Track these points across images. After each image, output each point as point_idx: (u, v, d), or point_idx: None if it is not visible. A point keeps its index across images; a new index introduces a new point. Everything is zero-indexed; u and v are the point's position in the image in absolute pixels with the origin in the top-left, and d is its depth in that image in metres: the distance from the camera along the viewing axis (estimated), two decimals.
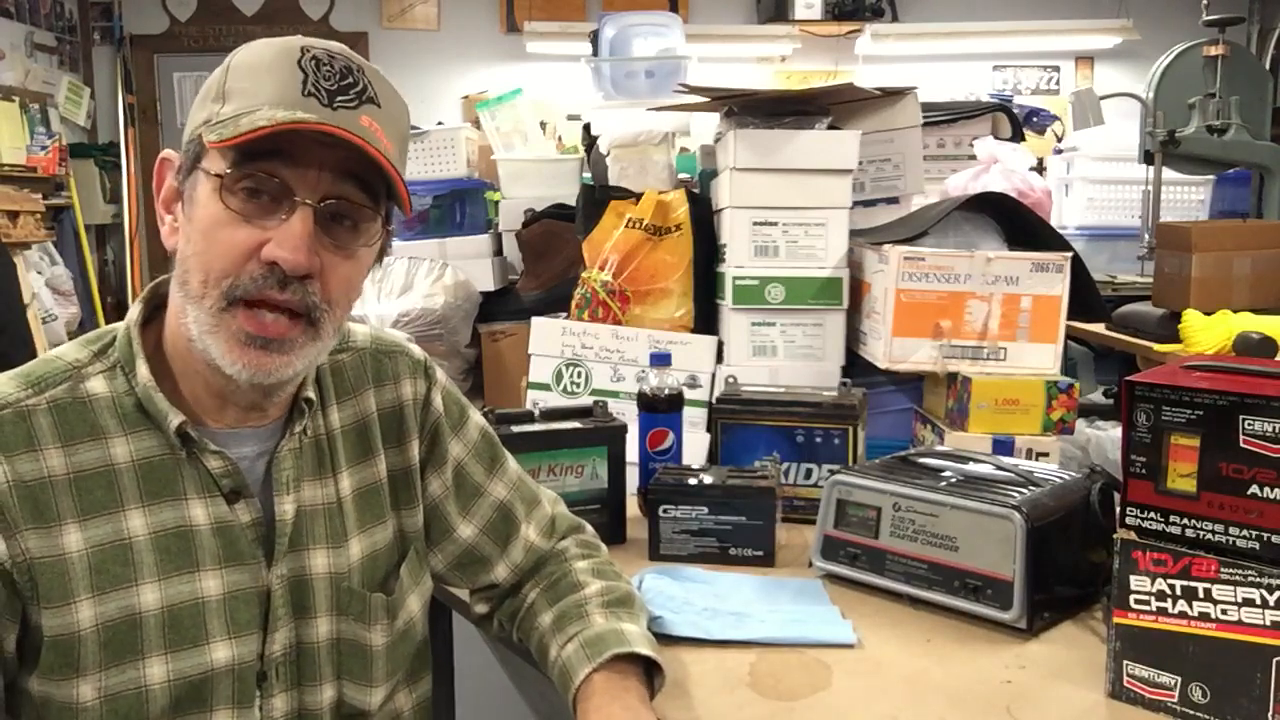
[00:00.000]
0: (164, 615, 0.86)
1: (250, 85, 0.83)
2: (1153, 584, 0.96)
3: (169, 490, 0.87)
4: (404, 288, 2.21)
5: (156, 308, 0.92)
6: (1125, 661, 0.98)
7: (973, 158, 2.32)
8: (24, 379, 0.87)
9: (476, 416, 1.12)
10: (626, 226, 1.88)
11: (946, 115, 2.37)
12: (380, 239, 0.91)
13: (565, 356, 1.83)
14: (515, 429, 1.41)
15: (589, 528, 1.19)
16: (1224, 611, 0.92)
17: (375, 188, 0.87)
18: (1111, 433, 1.88)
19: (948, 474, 1.25)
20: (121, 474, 0.86)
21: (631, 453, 1.47)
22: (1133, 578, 0.97)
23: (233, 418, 0.91)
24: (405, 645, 1.01)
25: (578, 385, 1.82)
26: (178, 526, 0.87)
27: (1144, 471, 0.97)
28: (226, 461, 0.89)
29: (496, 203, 2.51)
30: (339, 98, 0.83)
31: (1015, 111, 2.51)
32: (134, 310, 0.92)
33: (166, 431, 0.87)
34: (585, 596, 1.02)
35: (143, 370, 0.88)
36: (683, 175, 2.19)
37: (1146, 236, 2.87)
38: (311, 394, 0.95)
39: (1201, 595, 0.93)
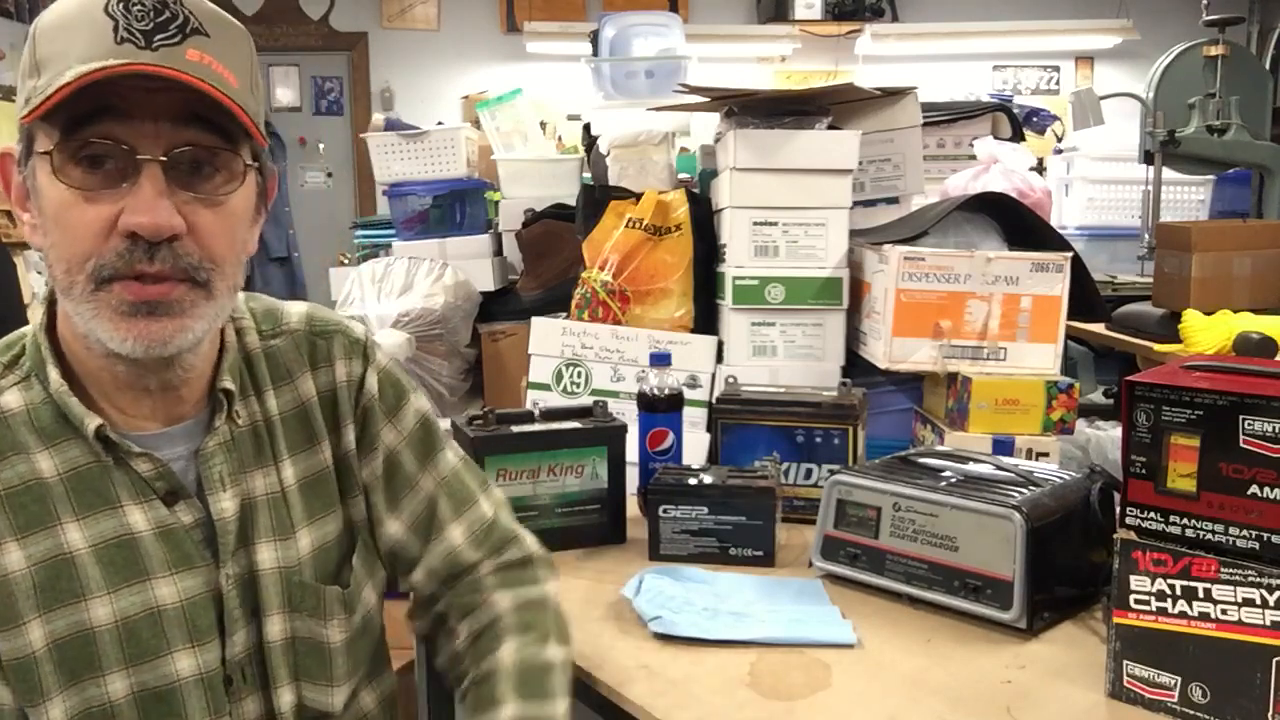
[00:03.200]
0: (118, 629, 0.82)
1: (60, 47, 0.75)
2: (1153, 584, 0.96)
3: (103, 499, 0.83)
4: (404, 288, 2.21)
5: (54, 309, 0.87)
6: (1125, 661, 0.98)
7: (973, 158, 2.32)
8: None
9: (418, 402, 1.03)
10: (626, 226, 1.88)
11: (946, 115, 2.37)
12: (246, 179, 0.83)
13: (565, 356, 1.83)
14: (515, 429, 1.41)
15: (528, 541, 1.06)
16: (1224, 611, 0.92)
17: (226, 126, 0.79)
18: (1111, 433, 1.88)
19: (948, 474, 1.25)
20: (51, 488, 0.82)
21: (631, 453, 1.47)
22: (1133, 578, 0.97)
23: (149, 410, 0.86)
24: (365, 641, 0.97)
25: (578, 385, 1.82)
26: (117, 536, 0.83)
27: (1144, 471, 0.97)
28: (155, 463, 0.85)
29: (496, 203, 2.51)
30: (157, 36, 0.75)
31: (1015, 111, 2.52)
32: (40, 313, 0.87)
33: (87, 437, 0.83)
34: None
35: (54, 375, 0.83)
36: (683, 175, 2.19)
37: (1146, 236, 2.87)
38: (230, 384, 0.89)
39: (1201, 595, 0.93)
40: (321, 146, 6.13)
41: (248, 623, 0.89)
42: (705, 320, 1.86)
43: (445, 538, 1.01)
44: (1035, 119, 3.76)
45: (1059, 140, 3.94)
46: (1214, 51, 2.76)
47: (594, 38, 2.68)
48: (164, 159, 0.77)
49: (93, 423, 0.83)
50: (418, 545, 1.01)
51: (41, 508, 0.82)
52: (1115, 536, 0.99)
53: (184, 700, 0.85)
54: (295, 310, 0.99)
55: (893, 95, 1.92)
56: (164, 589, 0.84)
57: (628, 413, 1.51)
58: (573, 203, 2.17)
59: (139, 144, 0.76)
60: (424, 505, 1.01)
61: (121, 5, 0.76)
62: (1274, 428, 0.89)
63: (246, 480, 0.90)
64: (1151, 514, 0.96)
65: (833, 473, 1.31)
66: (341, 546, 0.96)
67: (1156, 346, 2.22)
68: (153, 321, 0.79)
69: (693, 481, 1.36)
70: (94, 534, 0.83)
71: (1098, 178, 3.31)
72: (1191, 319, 2.12)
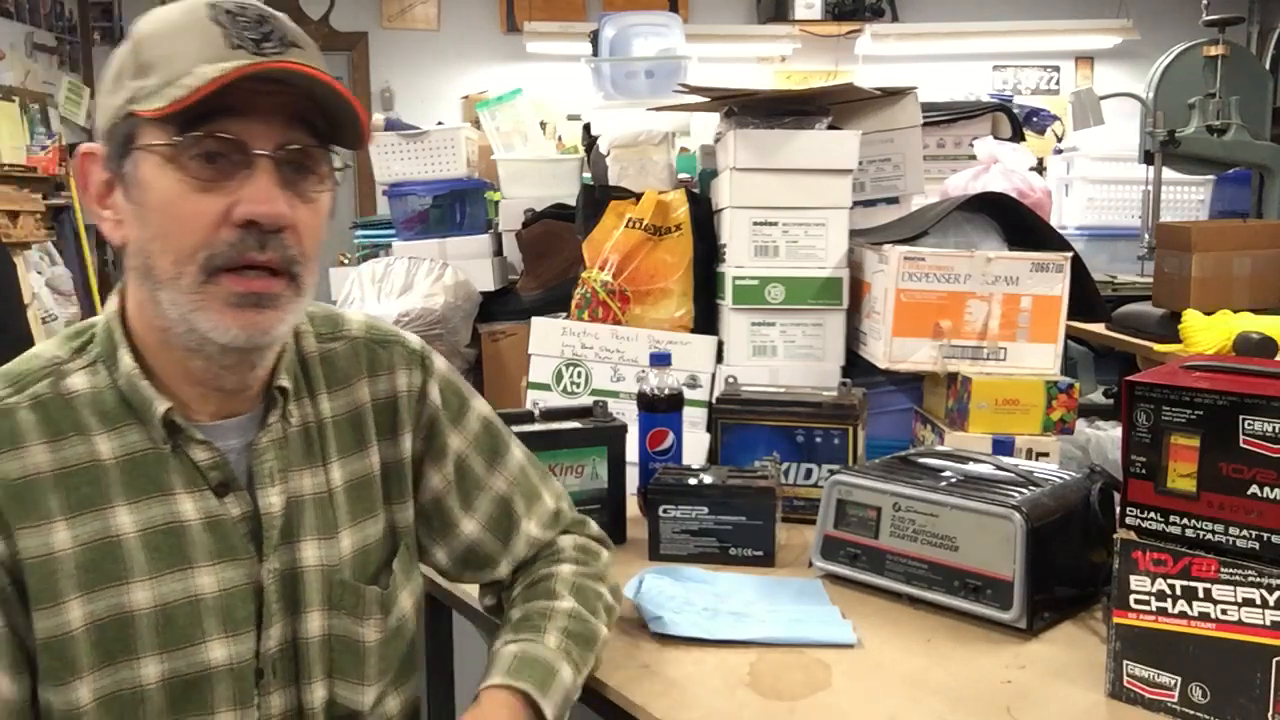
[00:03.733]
0: (156, 614, 0.84)
1: (170, 51, 0.80)
2: (1153, 584, 0.96)
3: (156, 485, 0.85)
4: (404, 288, 2.21)
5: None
6: (1125, 661, 0.98)
7: (973, 158, 2.32)
8: (4, 378, 0.85)
9: (479, 406, 1.09)
10: (626, 226, 1.88)
11: (946, 115, 2.37)
12: (332, 181, 0.88)
13: (565, 356, 1.83)
14: (515, 429, 1.40)
15: (593, 525, 1.15)
16: (1224, 611, 0.92)
17: (321, 130, 0.85)
18: (1111, 433, 1.88)
19: (948, 474, 1.25)
20: (107, 471, 0.84)
21: (631, 453, 1.47)
22: (1133, 578, 0.97)
23: (214, 406, 0.89)
24: (398, 643, 0.99)
25: (578, 385, 1.82)
26: (167, 523, 0.85)
27: (1144, 471, 0.97)
28: (214, 452, 0.87)
29: (496, 203, 2.51)
30: (264, 44, 0.81)
31: (1015, 111, 2.52)
32: (112, 301, 0.89)
33: (151, 423, 0.85)
34: (554, 610, 0.99)
35: (126, 360, 0.86)
36: (683, 175, 2.20)
37: (1146, 236, 2.87)
38: (286, 383, 0.92)
39: (1201, 595, 0.93)
40: None
41: (284, 618, 0.90)
42: (705, 320, 1.86)
43: (523, 532, 1.07)
44: (1035, 119, 3.77)
45: (1059, 140, 3.94)
46: (1214, 51, 2.77)
47: (594, 38, 2.68)
48: (274, 154, 0.81)
49: (162, 406, 0.85)
50: (496, 544, 1.06)
51: (95, 490, 0.83)
52: (1115, 536, 0.99)
53: (212, 689, 0.86)
54: (355, 318, 1.03)
55: (893, 95, 1.92)
56: (205, 578, 0.86)
57: (628, 413, 1.51)
58: (573, 203, 2.17)
59: (253, 140, 0.81)
60: (498, 505, 1.06)
61: (227, 16, 0.81)
62: (1274, 428, 0.89)
63: (295, 478, 0.92)
64: (1151, 514, 0.96)
65: (833, 473, 1.31)
66: (382, 550, 0.99)
67: (1156, 346, 2.22)
68: (257, 313, 0.83)
69: (693, 481, 1.36)
70: (143, 519, 0.85)
71: (1098, 178, 3.31)
72: (1191, 319, 2.12)
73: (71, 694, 0.81)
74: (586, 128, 2.40)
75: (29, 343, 3.25)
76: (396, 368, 1.01)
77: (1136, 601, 0.97)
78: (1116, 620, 0.98)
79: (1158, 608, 0.95)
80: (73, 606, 0.81)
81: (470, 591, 1.19)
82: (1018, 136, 2.40)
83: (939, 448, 1.48)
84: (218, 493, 0.88)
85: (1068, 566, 1.16)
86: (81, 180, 0.87)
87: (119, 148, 0.82)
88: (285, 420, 0.93)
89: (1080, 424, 1.85)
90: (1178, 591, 0.94)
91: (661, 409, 1.51)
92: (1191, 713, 0.94)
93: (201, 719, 0.86)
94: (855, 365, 1.75)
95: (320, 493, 0.94)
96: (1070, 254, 1.56)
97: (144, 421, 0.86)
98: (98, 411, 0.85)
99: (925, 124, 1.99)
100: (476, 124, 2.63)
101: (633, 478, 1.48)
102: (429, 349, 1.06)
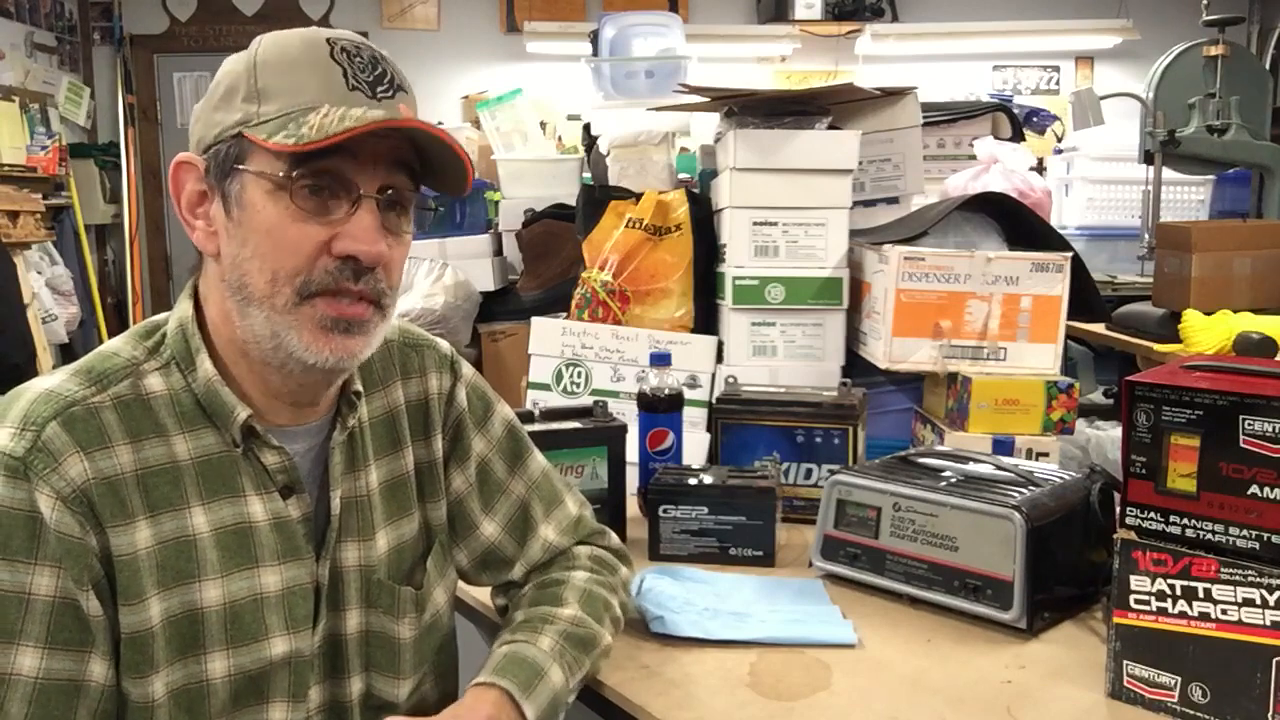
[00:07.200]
0: (226, 611, 0.86)
1: (288, 82, 0.83)
2: (1153, 584, 0.96)
3: (228, 487, 0.88)
4: (404, 288, 2.20)
5: (198, 304, 0.91)
6: (1125, 661, 0.98)
7: (973, 158, 2.33)
8: (85, 376, 0.85)
9: (503, 411, 1.11)
10: (626, 226, 1.88)
11: (946, 115, 2.37)
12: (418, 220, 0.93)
13: (565, 356, 1.83)
14: None
15: (614, 538, 1.16)
16: (1224, 611, 0.92)
17: (416, 172, 0.89)
18: (1111, 433, 1.89)
19: (948, 474, 1.25)
20: (183, 472, 0.86)
21: (631, 453, 1.47)
22: (1133, 578, 0.97)
23: (285, 416, 0.92)
24: (432, 638, 1.01)
25: (578, 385, 1.82)
26: (237, 523, 0.88)
27: (1144, 471, 0.97)
28: (284, 457, 0.90)
29: (496, 203, 2.51)
30: (378, 89, 0.85)
31: (1015, 111, 2.52)
32: (186, 306, 0.90)
33: (228, 428, 0.88)
34: (556, 615, 1.00)
35: (206, 366, 0.88)
36: (683, 175, 2.20)
37: (1146, 236, 2.88)
38: (360, 387, 0.96)
39: (1201, 595, 0.93)
40: None
41: (328, 614, 0.93)
42: (705, 320, 1.86)
43: (540, 535, 1.09)
44: (1035, 119, 3.77)
45: (1059, 140, 3.94)
46: (1214, 51, 2.77)
47: (594, 38, 2.68)
48: (376, 196, 0.86)
49: (243, 413, 0.88)
50: (513, 545, 1.08)
51: (173, 490, 0.86)
52: (1115, 536, 0.99)
53: (271, 683, 0.89)
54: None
55: (893, 95, 1.92)
56: (269, 577, 0.89)
57: (628, 413, 1.51)
58: (573, 203, 2.17)
59: (360, 181, 0.85)
60: (517, 508, 1.09)
61: (345, 55, 0.85)
62: (1274, 428, 0.89)
63: (345, 480, 0.96)
64: (1151, 514, 0.96)
65: (833, 473, 1.31)
66: (416, 548, 1.02)
67: (1156, 346, 2.22)
68: (346, 338, 0.86)
69: (693, 481, 1.36)
70: (215, 520, 0.87)
71: (1098, 178, 3.32)
72: (1191, 319, 2.12)
73: (148, 687, 0.83)
74: (586, 128, 2.40)
75: (29, 343, 3.25)
76: (428, 371, 1.05)
77: (1136, 601, 0.97)
78: (1116, 620, 0.98)
79: (1158, 608, 0.95)
80: (152, 603, 0.83)
81: (472, 594, 1.19)
82: (1018, 136, 2.40)
83: (939, 448, 1.48)
84: (283, 495, 0.91)
85: (1068, 566, 1.16)
86: (174, 187, 0.90)
87: (225, 165, 0.85)
88: (343, 424, 0.95)
89: (1080, 424, 1.86)
90: (1178, 591, 0.94)
91: (661, 409, 1.51)
92: (1191, 713, 0.94)
93: (258, 711, 0.89)
94: (855, 365, 1.75)
95: (360, 496, 0.97)
96: (1070, 254, 1.56)
97: (219, 425, 0.88)
98: (174, 413, 0.87)
99: (925, 124, 1.99)
100: (476, 124, 2.63)
101: (633, 478, 1.48)
102: (458, 355, 1.09)
